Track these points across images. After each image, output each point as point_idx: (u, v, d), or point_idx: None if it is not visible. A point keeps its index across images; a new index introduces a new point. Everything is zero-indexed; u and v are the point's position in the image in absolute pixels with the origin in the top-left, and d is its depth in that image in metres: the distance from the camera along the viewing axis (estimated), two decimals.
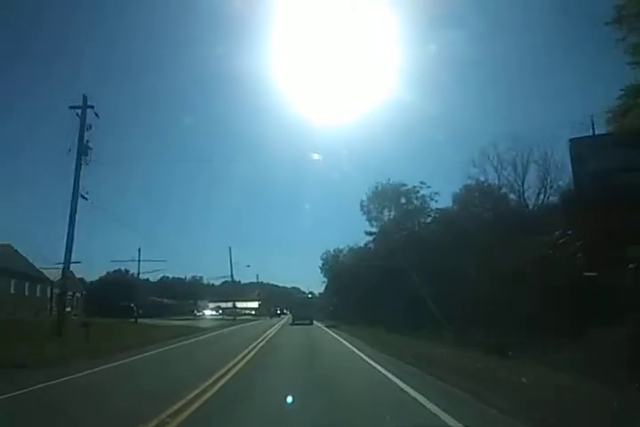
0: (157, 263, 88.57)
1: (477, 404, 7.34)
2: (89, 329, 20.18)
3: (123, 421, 6.50)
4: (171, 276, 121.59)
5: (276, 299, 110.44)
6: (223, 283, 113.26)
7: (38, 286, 46.31)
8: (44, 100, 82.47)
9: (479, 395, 7.71)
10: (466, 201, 34.07)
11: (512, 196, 32.20)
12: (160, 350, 17.13)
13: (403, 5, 28.86)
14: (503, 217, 30.07)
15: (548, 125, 51.28)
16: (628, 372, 8.59)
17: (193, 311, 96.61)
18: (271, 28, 32.99)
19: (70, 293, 51.56)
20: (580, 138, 13.24)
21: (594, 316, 13.19)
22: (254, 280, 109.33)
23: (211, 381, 9.50)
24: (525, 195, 31.84)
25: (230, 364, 12.16)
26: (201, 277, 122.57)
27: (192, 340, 23.39)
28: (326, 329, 33.48)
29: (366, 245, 48.15)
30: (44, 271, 44.45)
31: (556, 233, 25.86)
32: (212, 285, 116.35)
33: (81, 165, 21.45)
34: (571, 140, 12.81)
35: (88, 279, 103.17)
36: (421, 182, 39.40)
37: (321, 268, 63.58)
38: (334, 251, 61.57)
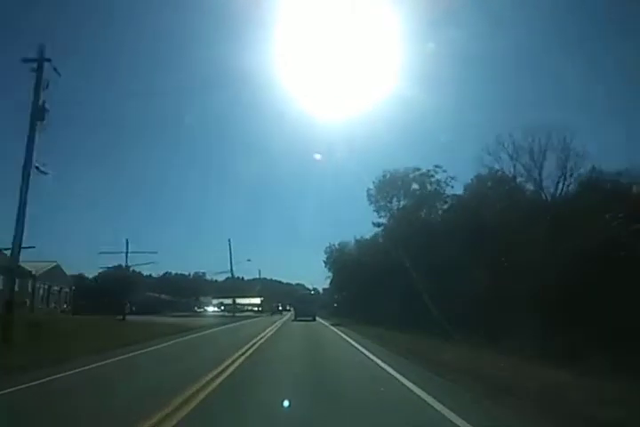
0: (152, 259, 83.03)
1: None
2: (41, 331, 16.13)
3: None
4: (174, 272, 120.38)
5: (278, 295, 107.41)
6: (227, 279, 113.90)
7: (17, 281, 41.87)
8: None
9: None
10: (478, 192, 30.49)
11: (529, 185, 29.27)
12: (110, 360, 12.44)
13: (405, 3, 28.59)
14: (519, 207, 26.69)
15: (565, 112, 47.47)
16: None
17: (194, 308, 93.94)
18: (274, 27, 33.67)
19: (57, 288, 47.79)
20: None
21: None
22: (258, 276, 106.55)
23: None
24: (543, 184, 28.59)
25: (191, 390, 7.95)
26: (204, 274, 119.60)
27: (170, 342, 19.10)
28: (332, 328, 29.20)
29: (374, 236, 43.93)
30: (26, 264, 40.27)
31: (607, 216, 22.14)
32: (216, 281, 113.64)
33: (35, 130, 17.33)
34: None
35: (90, 275, 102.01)
36: (436, 166, 35.16)
37: (325, 262, 59.44)
38: (339, 244, 57.42)
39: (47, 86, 17.68)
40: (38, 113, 17.51)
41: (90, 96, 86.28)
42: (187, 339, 21.40)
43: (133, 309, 54.83)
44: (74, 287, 53.36)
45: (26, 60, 17.79)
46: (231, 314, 62.84)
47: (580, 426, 5.71)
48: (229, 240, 66.28)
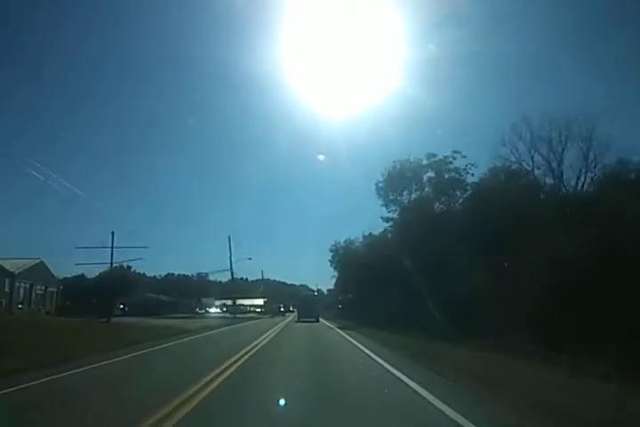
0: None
1: None
2: None
3: None
4: (176, 273, 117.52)
5: (282, 296, 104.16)
6: (231, 280, 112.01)
7: None
8: None
9: None
10: (491, 186, 27.08)
11: (548, 178, 26.75)
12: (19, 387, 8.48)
13: (407, 3, 27.68)
14: (535, 202, 24.05)
15: (588, 101, 44.17)
16: None
17: (195, 309, 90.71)
18: (279, 30, 31.68)
19: (41, 287, 43.81)
20: None
21: None
22: (261, 277, 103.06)
23: None
24: (564, 176, 26.48)
25: None
26: (207, 274, 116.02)
27: (132, 354, 14.83)
28: (341, 333, 24.98)
29: (383, 232, 39.83)
30: (5, 262, 36.43)
31: None
32: (220, 282, 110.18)
33: None
34: None
35: (90, 276, 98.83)
36: (455, 151, 30.99)
37: (330, 260, 55.12)
38: (345, 242, 53.23)
39: None
40: None
41: (95, 96, 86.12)
42: (162, 348, 17.10)
43: (126, 310, 50.99)
44: (62, 287, 49.38)
45: None
46: (232, 316, 58.98)
47: None
48: (229, 237, 62.65)
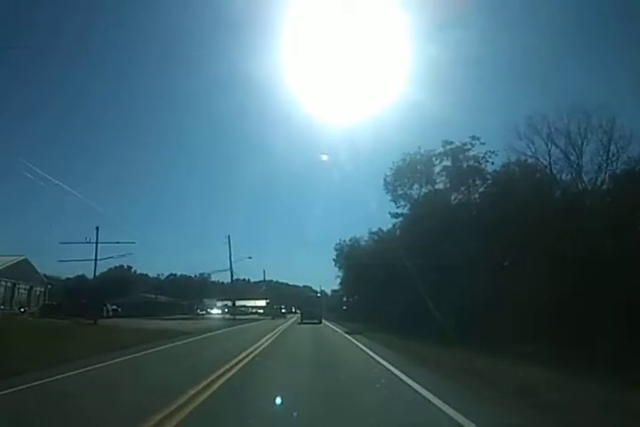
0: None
1: None
2: None
3: None
4: (179, 273, 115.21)
5: (285, 297, 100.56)
6: (234, 281, 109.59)
7: None
8: None
9: None
10: (505, 184, 24.87)
11: (565, 172, 23.98)
12: None
13: (411, 6, 26.72)
14: (551, 199, 22.29)
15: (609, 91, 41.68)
16: None
17: (196, 310, 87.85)
18: (281, 32, 30.67)
19: (25, 286, 40.71)
20: None
21: None
22: (263, 278, 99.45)
23: None
24: (583, 169, 23.74)
25: None
26: (209, 275, 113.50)
27: (115, 360, 12.24)
28: (352, 340, 20.49)
29: (391, 229, 36.80)
30: None
31: None
32: (222, 283, 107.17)
33: None
34: None
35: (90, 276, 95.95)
36: (473, 137, 27.93)
37: (335, 260, 52.24)
38: (350, 240, 50.29)
39: None
40: None
41: (94, 96, 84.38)
42: (137, 356, 13.96)
43: (119, 310, 48.05)
44: (50, 286, 46.28)
45: None
46: (232, 317, 55.97)
47: None
48: (229, 237, 59.69)
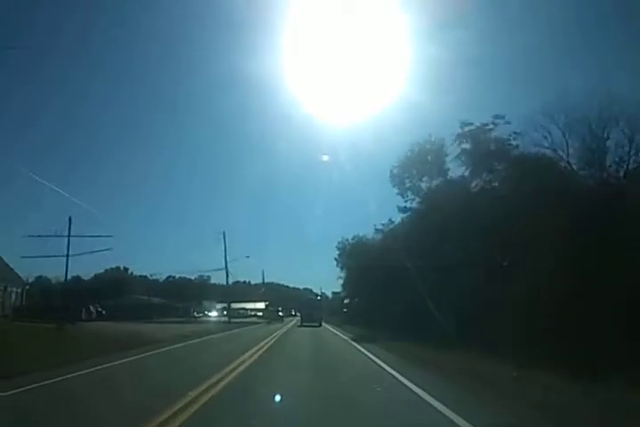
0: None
1: None
2: None
3: None
4: (177, 275, 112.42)
5: (284, 300, 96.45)
6: (234, 283, 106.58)
7: None
8: None
9: None
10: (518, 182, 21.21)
11: (581, 165, 20.85)
12: None
13: (412, 7, 25.33)
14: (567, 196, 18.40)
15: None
16: None
17: (192, 312, 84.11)
18: (279, 31, 30.06)
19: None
20: None
21: None
22: (262, 280, 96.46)
23: None
24: (606, 162, 20.69)
25: None
26: (208, 277, 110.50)
27: (27, 388, 8.40)
28: (365, 352, 15.87)
29: (401, 223, 32.85)
30: None
31: None
32: (222, 285, 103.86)
33: None
34: None
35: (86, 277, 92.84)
36: (496, 116, 23.99)
37: (337, 259, 48.23)
38: (353, 238, 46.31)
39: None
40: None
41: (94, 96, 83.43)
42: (62, 381, 9.49)
43: (104, 313, 44.32)
44: (28, 287, 42.32)
45: None
46: (227, 320, 52.08)
47: None
48: (224, 233, 55.73)
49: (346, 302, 59.25)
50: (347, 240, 46.92)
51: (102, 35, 56.47)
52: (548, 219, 17.09)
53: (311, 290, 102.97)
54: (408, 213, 32.09)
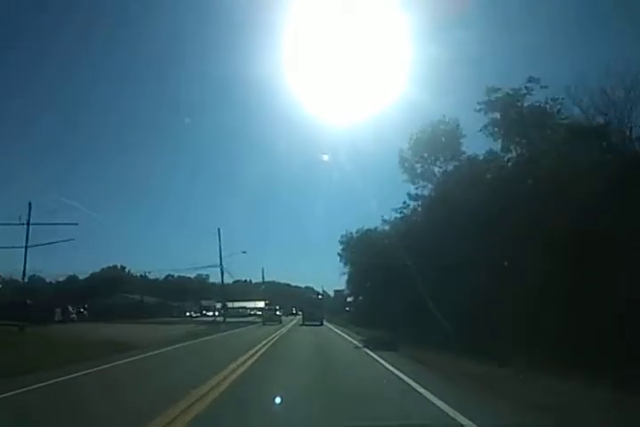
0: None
1: None
2: None
3: None
4: (176, 275, 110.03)
5: (286, 299, 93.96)
6: (235, 282, 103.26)
7: None
8: None
9: None
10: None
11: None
12: None
13: (412, 7, 25.78)
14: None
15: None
16: None
17: (188, 312, 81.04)
18: (280, 31, 30.51)
19: None
20: None
21: None
22: (267, 279, 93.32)
23: None
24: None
25: None
26: (207, 276, 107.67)
27: None
28: (394, 372, 10.49)
29: (413, 211, 28.79)
30: None
31: None
32: (225, 284, 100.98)
33: None
34: None
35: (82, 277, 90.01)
36: (530, 80, 19.78)
37: (340, 255, 44.25)
38: (357, 231, 42.24)
39: None
40: None
41: (97, 96, 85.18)
42: None
43: (85, 313, 40.69)
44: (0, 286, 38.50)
45: None
46: (221, 321, 48.21)
47: None
48: (219, 230, 52.10)
49: (349, 300, 55.86)
50: (351, 234, 42.98)
51: (104, 35, 59.72)
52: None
53: (313, 289, 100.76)
54: (419, 202, 28.36)
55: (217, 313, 74.29)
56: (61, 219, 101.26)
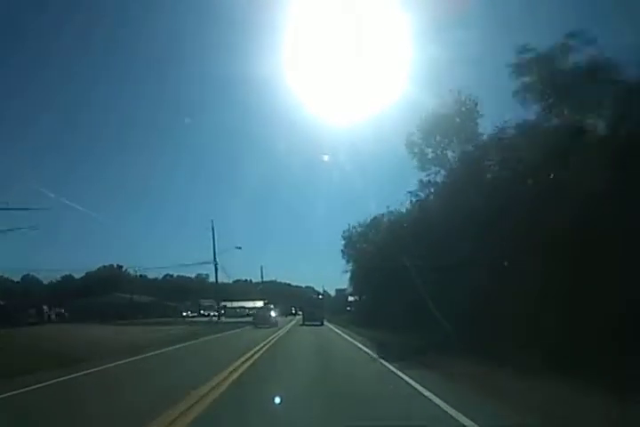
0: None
1: None
2: None
3: None
4: (175, 274, 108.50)
5: (286, 298, 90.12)
6: (234, 282, 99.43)
7: None
8: None
9: None
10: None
11: None
12: None
13: (413, 6, 25.10)
14: None
15: None
16: None
17: (186, 312, 78.61)
18: (280, 31, 30.23)
19: None
20: None
21: None
22: (267, 279, 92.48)
23: None
24: None
25: None
26: (207, 275, 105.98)
27: None
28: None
29: (426, 197, 25.40)
30: None
31: None
32: (222, 283, 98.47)
33: None
34: None
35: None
36: (569, 35, 16.24)
37: (342, 251, 41.22)
38: (360, 225, 38.97)
39: None
40: None
41: (97, 96, 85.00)
42: None
43: (65, 314, 37.87)
44: None
45: None
46: (216, 321, 45.10)
47: None
48: (212, 222, 49.50)
49: (351, 299, 53.08)
50: (354, 228, 39.75)
51: (104, 35, 59.09)
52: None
53: (313, 288, 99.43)
54: (432, 189, 25.10)
55: (215, 313, 71.56)
56: (61, 219, 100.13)
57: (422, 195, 24.96)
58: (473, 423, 5.52)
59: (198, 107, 73.74)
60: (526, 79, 17.29)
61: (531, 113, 17.43)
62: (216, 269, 48.34)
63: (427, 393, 7.58)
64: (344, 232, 40.78)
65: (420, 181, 24.46)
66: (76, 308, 46.25)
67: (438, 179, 23.90)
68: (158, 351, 16.20)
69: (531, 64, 17.18)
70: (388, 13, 24.73)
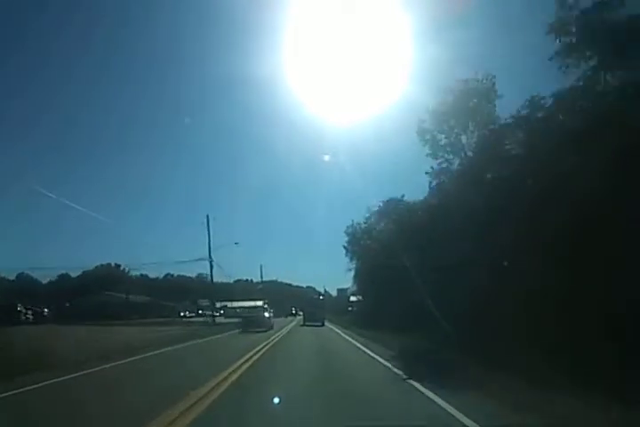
0: None
1: None
2: None
3: None
4: (176, 274, 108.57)
5: (286, 298, 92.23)
6: (235, 282, 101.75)
7: None
8: None
9: None
10: None
11: None
12: None
13: (413, 6, 24.56)
14: None
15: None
16: None
17: (184, 312, 78.50)
18: (281, 32, 30.04)
19: None
20: None
21: None
22: (267, 279, 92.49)
23: None
24: None
25: None
26: (207, 275, 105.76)
27: None
28: None
29: (440, 186, 24.52)
30: None
31: None
32: (222, 283, 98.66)
33: None
34: None
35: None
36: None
37: (346, 248, 40.76)
38: (365, 221, 38.57)
39: None
40: None
41: (97, 97, 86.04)
42: None
43: (45, 314, 37.68)
44: None
45: None
46: (210, 322, 45.00)
47: None
48: (207, 216, 47.54)
49: (352, 299, 52.85)
50: (358, 224, 39.44)
51: (104, 35, 59.43)
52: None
53: (314, 289, 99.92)
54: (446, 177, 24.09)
55: (214, 313, 71.49)
56: (60, 218, 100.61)
57: (443, 178, 23.59)
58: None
59: (198, 107, 74.52)
60: (567, 39, 15.43)
61: (569, 81, 15.81)
62: (211, 266, 47.83)
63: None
64: (347, 228, 40.37)
65: (432, 169, 23.31)
66: (67, 307, 45.87)
67: (452, 166, 22.72)
68: (138, 357, 14.82)
69: (579, 20, 15.44)
70: (388, 13, 24.96)
